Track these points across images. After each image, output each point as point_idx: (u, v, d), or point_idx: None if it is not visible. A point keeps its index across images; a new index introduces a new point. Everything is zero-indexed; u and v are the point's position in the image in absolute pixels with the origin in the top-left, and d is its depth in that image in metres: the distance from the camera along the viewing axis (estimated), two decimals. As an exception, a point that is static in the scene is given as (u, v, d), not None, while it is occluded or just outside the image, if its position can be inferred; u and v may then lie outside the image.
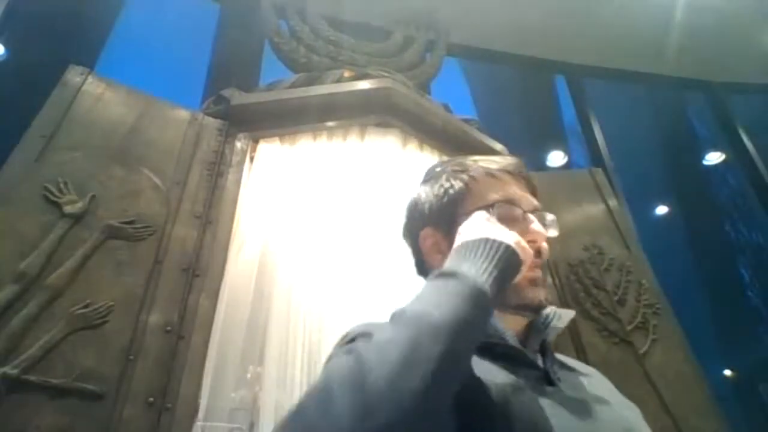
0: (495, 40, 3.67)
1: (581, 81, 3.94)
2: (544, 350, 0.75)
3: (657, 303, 1.91)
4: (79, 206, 1.43)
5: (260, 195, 1.77)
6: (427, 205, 0.86)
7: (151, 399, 1.24)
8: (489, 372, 0.64)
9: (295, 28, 2.65)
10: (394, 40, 2.89)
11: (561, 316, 0.75)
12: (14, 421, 1.11)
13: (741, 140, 3.92)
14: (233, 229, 1.64)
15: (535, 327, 0.75)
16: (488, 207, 0.76)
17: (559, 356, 0.80)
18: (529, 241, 0.71)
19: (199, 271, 1.49)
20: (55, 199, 1.42)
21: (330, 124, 2.02)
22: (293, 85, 2.08)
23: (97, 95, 1.70)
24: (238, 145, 1.84)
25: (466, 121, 2.27)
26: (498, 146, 2.23)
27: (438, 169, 0.89)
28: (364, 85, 2.07)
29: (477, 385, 0.61)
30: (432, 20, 3.06)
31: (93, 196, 1.48)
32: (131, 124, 1.69)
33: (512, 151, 2.25)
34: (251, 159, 1.87)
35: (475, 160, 0.85)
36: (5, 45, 3.08)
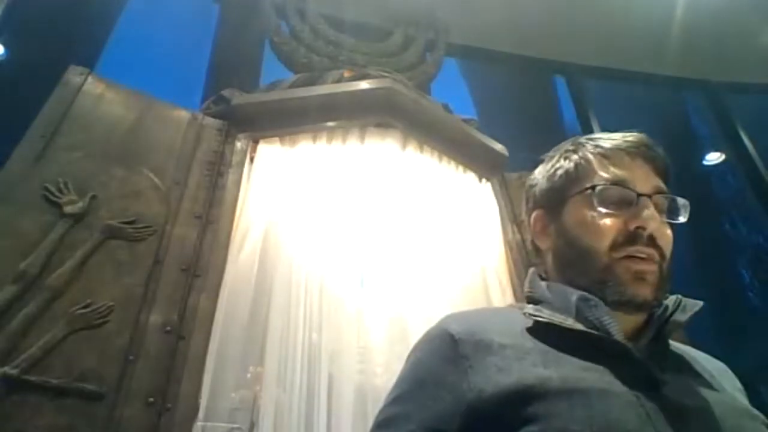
0: (495, 40, 3.67)
1: (581, 81, 3.94)
2: (661, 346, 0.68)
3: (657, 303, 1.91)
4: (79, 206, 1.43)
5: (260, 195, 1.77)
6: (537, 187, 0.82)
7: (151, 399, 1.24)
8: (574, 373, 0.58)
9: (295, 28, 2.65)
10: (394, 40, 2.89)
11: (686, 307, 0.69)
12: (14, 421, 1.11)
13: (741, 140, 3.92)
14: (233, 229, 1.64)
15: (653, 319, 0.68)
16: (591, 189, 0.71)
17: (686, 351, 0.73)
18: (637, 228, 0.67)
19: (199, 271, 1.49)
20: (55, 199, 1.42)
21: (330, 124, 2.02)
22: (293, 86, 2.08)
23: (97, 95, 1.70)
24: (238, 145, 1.84)
25: (466, 121, 2.27)
26: (498, 146, 2.23)
27: (559, 147, 0.83)
28: (364, 85, 2.07)
29: (548, 392, 0.56)
30: (432, 20, 3.06)
31: (93, 196, 1.48)
32: (131, 125, 1.69)
33: (512, 151, 2.25)
34: (251, 159, 1.87)
35: (591, 138, 0.78)
36: (5, 45, 3.08)
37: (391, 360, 1.51)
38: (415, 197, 1.91)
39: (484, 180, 2.18)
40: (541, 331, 0.65)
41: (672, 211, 0.72)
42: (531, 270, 0.82)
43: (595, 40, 3.71)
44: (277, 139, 1.95)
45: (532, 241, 0.84)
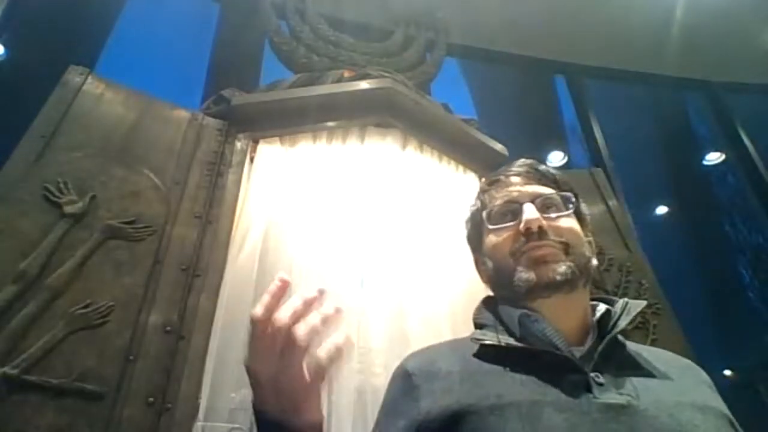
0: (495, 40, 3.67)
1: (581, 81, 3.94)
2: (607, 349, 0.70)
3: (657, 303, 1.91)
4: (79, 206, 1.43)
5: (260, 195, 1.77)
6: (467, 234, 0.95)
7: (151, 399, 1.24)
8: (511, 388, 0.64)
9: (295, 28, 2.65)
10: (394, 40, 2.88)
11: (630, 309, 0.74)
12: (14, 421, 1.11)
13: (741, 140, 3.92)
14: (233, 229, 1.64)
15: (595, 324, 0.74)
16: (487, 215, 0.83)
17: (643, 352, 0.76)
18: (525, 229, 0.76)
19: (199, 271, 1.49)
20: (55, 199, 1.41)
21: (330, 124, 2.02)
22: (293, 86, 2.08)
23: (97, 95, 1.70)
24: (238, 145, 1.84)
25: (466, 121, 2.27)
26: (498, 146, 2.23)
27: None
28: (364, 85, 2.07)
29: (483, 409, 0.62)
30: (432, 20, 3.06)
31: (93, 196, 1.47)
32: (131, 124, 1.69)
33: (512, 151, 2.25)
34: (251, 159, 1.87)
35: (495, 174, 0.90)
36: (5, 45, 3.08)
37: (390, 360, 1.50)
38: (415, 197, 1.91)
39: (484, 180, 2.18)
40: (487, 354, 0.72)
41: (559, 207, 0.81)
42: (484, 297, 0.91)
43: (596, 40, 3.71)
44: (277, 139, 1.95)
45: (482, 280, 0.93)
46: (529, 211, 0.77)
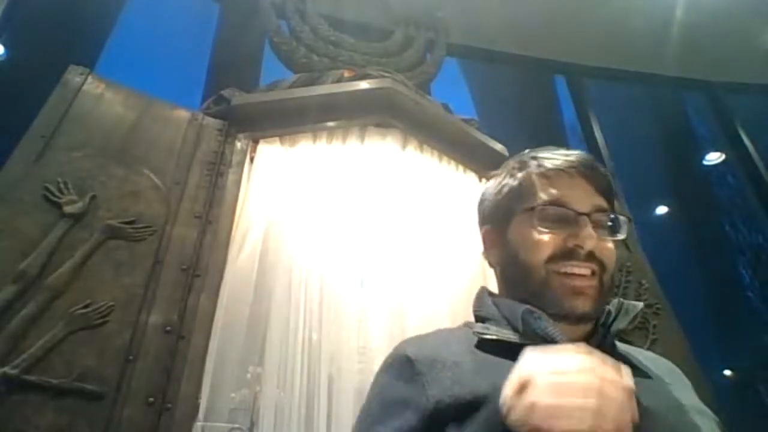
0: (495, 40, 3.67)
1: (581, 81, 3.94)
2: (606, 350, 0.67)
3: (657, 303, 1.91)
4: (79, 206, 1.43)
5: (260, 195, 1.77)
6: (486, 204, 0.87)
7: (151, 399, 1.24)
8: None
9: (295, 28, 2.65)
10: (394, 40, 2.88)
11: (627, 310, 0.72)
12: (14, 421, 1.11)
13: (741, 140, 3.92)
14: (233, 229, 1.64)
15: (598, 327, 0.72)
16: (532, 209, 0.75)
17: (632, 353, 0.76)
18: (574, 245, 0.70)
19: (199, 271, 1.49)
20: (55, 199, 1.41)
21: (330, 124, 2.02)
22: (293, 86, 2.08)
23: (97, 95, 1.70)
24: (238, 145, 1.84)
25: (466, 121, 2.27)
26: (498, 146, 2.23)
27: (508, 163, 0.86)
28: (364, 85, 2.07)
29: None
30: (432, 20, 3.06)
31: (93, 196, 1.47)
32: (131, 124, 1.69)
33: (512, 151, 2.25)
34: (251, 159, 1.87)
35: (535, 157, 0.80)
36: (5, 45, 3.08)
37: (391, 360, 1.50)
38: (415, 197, 1.91)
39: (484, 180, 2.18)
40: (490, 347, 0.69)
41: (613, 228, 0.75)
42: (480, 287, 0.87)
43: (596, 40, 3.71)
44: (277, 139, 1.95)
45: (484, 252, 0.87)
46: (588, 229, 0.71)
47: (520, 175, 0.80)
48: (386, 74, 2.19)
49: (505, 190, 0.81)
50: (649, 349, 1.78)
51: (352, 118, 2.05)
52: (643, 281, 1.97)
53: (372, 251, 1.74)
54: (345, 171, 1.91)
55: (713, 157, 5.28)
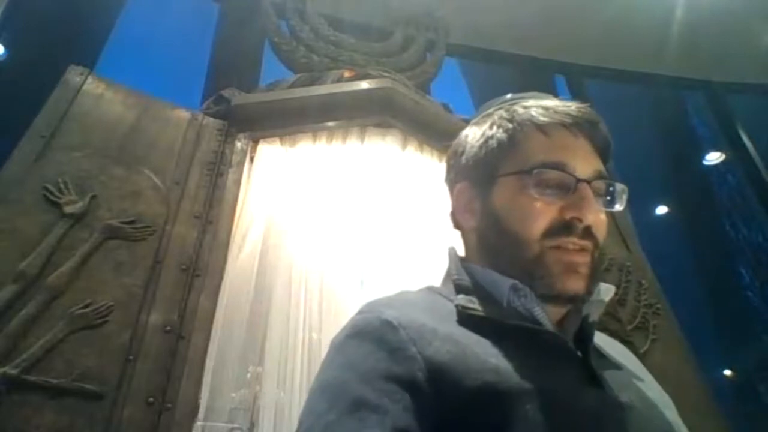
0: (495, 40, 3.67)
1: (581, 81, 3.94)
2: (584, 337, 0.63)
3: (657, 303, 1.91)
4: (79, 206, 1.43)
5: (260, 195, 1.77)
6: (465, 156, 0.72)
7: (151, 399, 1.24)
8: (524, 373, 0.52)
9: (295, 28, 2.65)
10: (394, 40, 2.88)
11: (600, 292, 0.64)
12: (14, 421, 1.11)
13: (741, 140, 3.92)
14: (233, 229, 1.64)
15: (577, 309, 0.64)
16: (526, 173, 0.62)
17: (603, 342, 0.69)
18: (572, 218, 0.61)
19: (199, 271, 1.49)
20: (55, 199, 1.42)
21: (330, 124, 2.02)
22: (293, 85, 2.08)
23: (97, 95, 1.70)
24: (238, 145, 1.84)
25: (466, 121, 2.27)
26: (498, 146, 2.23)
27: (490, 110, 0.73)
28: (364, 85, 2.07)
29: (509, 396, 0.50)
30: (432, 20, 3.06)
31: (93, 196, 1.48)
32: (131, 124, 1.69)
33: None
34: (251, 159, 1.87)
35: (527, 107, 0.68)
36: (5, 45, 3.08)
37: (391, 360, 1.50)
38: (415, 197, 1.91)
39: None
40: (473, 320, 0.60)
41: (610, 198, 0.66)
42: (451, 250, 0.76)
43: (595, 39, 3.70)
44: (277, 139, 1.95)
45: (453, 215, 0.75)
46: (588, 200, 0.61)
47: (510, 126, 0.67)
48: (386, 74, 2.19)
49: (492, 143, 0.67)
50: (649, 349, 1.78)
51: (352, 118, 2.05)
52: (643, 281, 1.97)
53: (372, 251, 1.74)
54: (345, 171, 1.91)
55: (713, 157, 5.29)
